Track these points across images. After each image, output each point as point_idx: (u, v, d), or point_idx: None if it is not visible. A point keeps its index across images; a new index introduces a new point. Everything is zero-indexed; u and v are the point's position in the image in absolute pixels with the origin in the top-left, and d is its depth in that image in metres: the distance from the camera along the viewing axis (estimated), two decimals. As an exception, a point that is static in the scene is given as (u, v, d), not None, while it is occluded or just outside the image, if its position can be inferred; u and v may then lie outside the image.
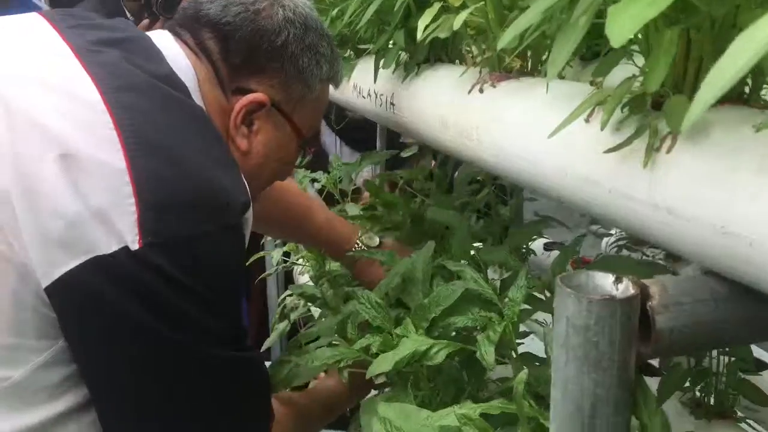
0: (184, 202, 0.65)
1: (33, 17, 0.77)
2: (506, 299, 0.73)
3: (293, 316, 1.32)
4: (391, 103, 0.94)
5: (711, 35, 0.43)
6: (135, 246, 0.62)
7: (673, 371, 0.92)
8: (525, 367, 0.69)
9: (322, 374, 1.04)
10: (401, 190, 1.27)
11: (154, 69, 0.72)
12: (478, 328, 0.75)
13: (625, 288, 0.41)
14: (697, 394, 0.88)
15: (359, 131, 2.04)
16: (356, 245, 1.12)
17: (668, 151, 0.44)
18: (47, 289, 0.62)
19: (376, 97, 0.99)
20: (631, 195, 0.46)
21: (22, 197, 0.61)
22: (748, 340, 0.52)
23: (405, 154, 1.68)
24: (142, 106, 0.67)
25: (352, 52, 1.13)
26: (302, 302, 1.35)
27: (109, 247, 0.61)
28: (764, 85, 0.46)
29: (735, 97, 0.44)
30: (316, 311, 1.30)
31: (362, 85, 1.06)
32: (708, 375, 0.87)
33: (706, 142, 0.42)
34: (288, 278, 1.88)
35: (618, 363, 0.41)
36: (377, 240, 1.12)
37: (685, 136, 0.43)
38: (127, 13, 1.97)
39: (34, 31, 0.74)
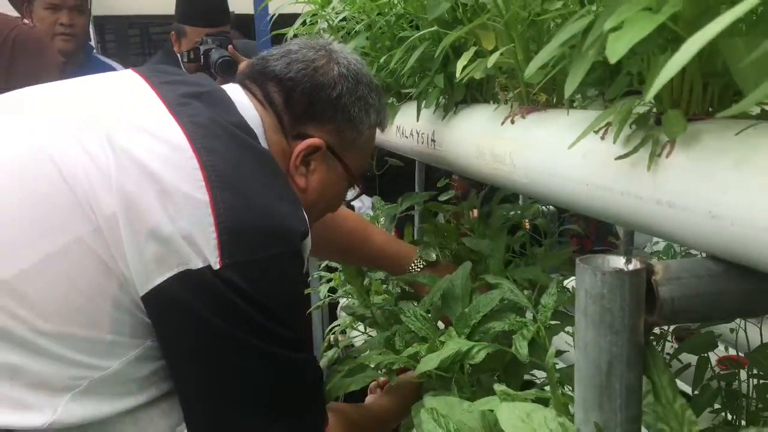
0: (254, 230, 0.77)
1: (130, 74, 0.91)
2: (539, 306, 0.81)
3: (342, 344, 1.41)
4: (432, 140, 1.05)
5: (699, 59, 0.53)
6: (216, 266, 0.73)
7: (703, 392, 0.98)
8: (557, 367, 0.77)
9: (378, 392, 1.13)
10: (447, 222, 1.38)
11: (229, 118, 0.84)
12: (515, 332, 0.84)
13: (634, 264, 0.50)
14: (729, 416, 0.93)
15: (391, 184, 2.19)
16: (416, 261, 1.23)
17: (668, 156, 0.53)
18: (143, 297, 0.74)
19: (418, 135, 1.11)
20: (639, 195, 0.56)
21: (126, 221, 0.73)
22: (740, 311, 0.60)
23: (443, 197, 1.80)
24: (221, 150, 0.79)
25: (394, 99, 1.24)
26: (347, 333, 1.45)
27: (196, 264, 0.73)
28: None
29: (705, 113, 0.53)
30: (359, 341, 1.39)
31: (405, 126, 1.17)
32: (738, 397, 0.93)
33: (697, 148, 0.51)
34: (332, 312, 1.97)
35: (629, 326, 0.49)
36: (434, 256, 1.23)
37: (680, 143, 0.53)
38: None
39: (132, 85, 0.88)
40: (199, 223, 0.74)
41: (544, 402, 0.69)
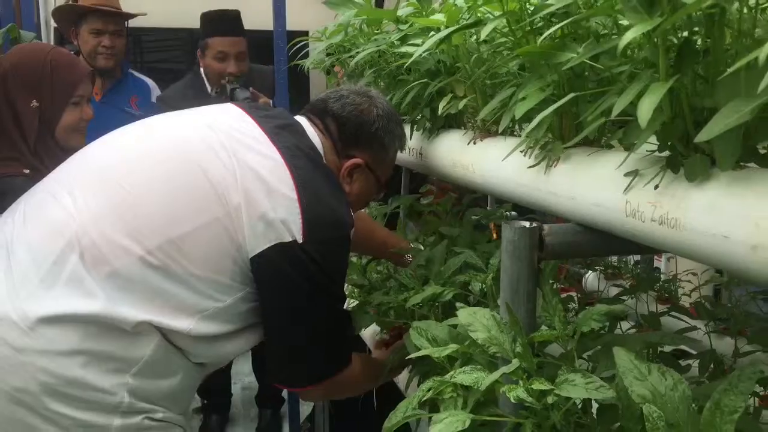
0: (325, 219, 1.21)
1: (233, 107, 1.33)
2: (489, 265, 1.23)
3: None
4: (420, 153, 1.47)
5: (569, 114, 0.95)
6: (301, 240, 1.17)
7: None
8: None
9: (383, 348, 1.54)
10: (429, 214, 1.81)
11: (306, 143, 1.28)
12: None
13: (532, 225, 0.92)
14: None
15: None
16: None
17: (555, 166, 0.95)
18: (251, 259, 1.18)
19: (410, 150, 1.53)
20: (540, 188, 0.98)
21: (246, 209, 1.16)
22: (592, 254, 1.02)
23: (424, 201, 2.23)
24: (302, 166, 1.22)
25: (404, 137, 1.66)
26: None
27: (287, 239, 1.17)
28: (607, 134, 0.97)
29: (584, 143, 0.95)
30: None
31: (399, 143, 1.59)
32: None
33: (569, 161, 0.93)
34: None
35: (528, 258, 0.91)
36: (421, 247, 1.66)
37: (561, 160, 0.95)
38: None
39: (241, 117, 1.29)
40: (291, 213, 1.17)
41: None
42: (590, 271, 2.05)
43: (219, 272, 1.18)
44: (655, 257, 2.33)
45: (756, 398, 1.10)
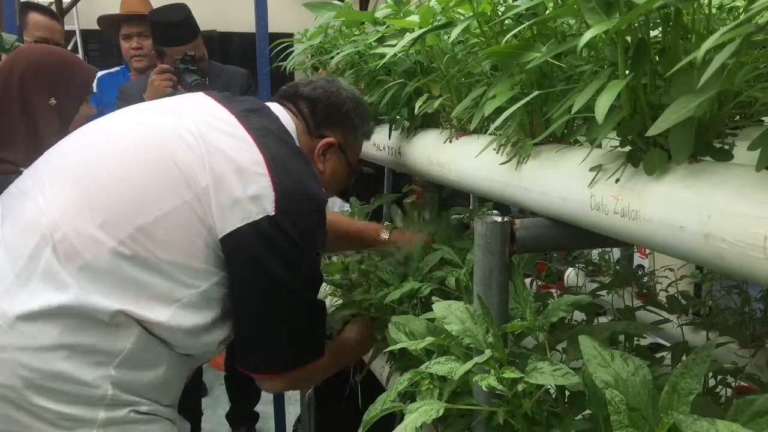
0: (297, 192, 1.21)
1: (202, 95, 1.35)
2: (465, 261, 1.26)
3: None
4: (399, 152, 1.50)
5: (539, 112, 0.98)
6: (272, 213, 1.18)
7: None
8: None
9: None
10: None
11: (275, 125, 1.30)
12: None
13: (503, 219, 0.95)
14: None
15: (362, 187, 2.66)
16: (385, 231, 1.70)
17: (525, 163, 0.98)
18: (221, 240, 1.17)
19: (389, 149, 1.55)
20: (511, 183, 1.01)
21: (215, 190, 1.17)
22: (560, 247, 1.05)
23: (407, 200, 2.26)
24: (271, 143, 1.24)
25: (372, 122, 1.69)
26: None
27: (258, 216, 1.17)
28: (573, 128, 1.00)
29: (553, 139, 0.98)
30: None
31: (379, 143, 1.62)
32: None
33: (538, 158, 0.96)
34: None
35: (500, 251, 0.94)
36: (399, 223, 1.71)
37: (531, 156, 0.98)
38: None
39: (210, 102, 1.31)
40: (262, 187, 1.18)
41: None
42: (571, 269, 2.08)
43: (192, 256, 1.18)
44: (638, 254, 2.37)
45: (728, 388, 1.14)
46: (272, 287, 1.22)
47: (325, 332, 1.35)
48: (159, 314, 1.17)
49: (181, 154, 1.19)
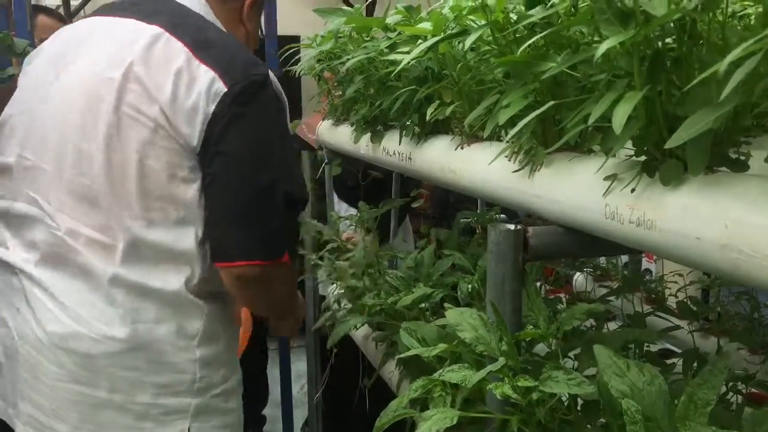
0: (237, 61, 1.28)
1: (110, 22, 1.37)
2: (477, 267, 1.26)
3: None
4: (409, 158, 1.50)
5: (552, 121, 0.98)
6: (225, 89, 1.23)
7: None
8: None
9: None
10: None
11: (183, 10, 1.36)
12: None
13: (516, 227, 0.95)
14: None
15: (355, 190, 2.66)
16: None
17: (538, 171, 0.98)
18: (199, 153, 1.24)
19: (399, 154, 1.55)
20: (524, 191, 1.01)
21: (169, 110, 1.22)
22: (574, 255, 1.05)
23: (414, 205, 2.27)
24: (180, 24, 1.29)
25: (382, 127, 1.69)
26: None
27: (214, 106, 1.23)
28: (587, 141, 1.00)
29: (566, 148, 0.99)
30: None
31: (389, 148, 1.62)
32: None
33: (551, 166, 0.97)
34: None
35: (513, 258, 0.94)
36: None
37: (544, 164, 0.98)
38: None
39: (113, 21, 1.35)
40: (203, 75, 1.23)
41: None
42: (579, 273, 2.08)
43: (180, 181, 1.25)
44: (646, 259, 2.38)
45: (738, 395, 1.14)
46: (251, 152, 1.26)
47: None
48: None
49: (122, 104, 1.22)
